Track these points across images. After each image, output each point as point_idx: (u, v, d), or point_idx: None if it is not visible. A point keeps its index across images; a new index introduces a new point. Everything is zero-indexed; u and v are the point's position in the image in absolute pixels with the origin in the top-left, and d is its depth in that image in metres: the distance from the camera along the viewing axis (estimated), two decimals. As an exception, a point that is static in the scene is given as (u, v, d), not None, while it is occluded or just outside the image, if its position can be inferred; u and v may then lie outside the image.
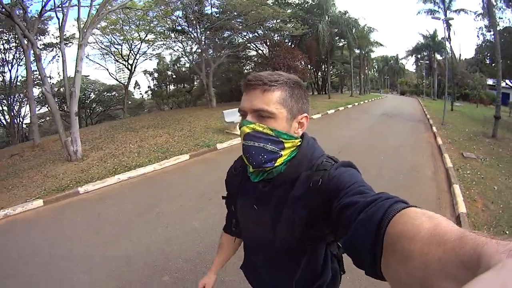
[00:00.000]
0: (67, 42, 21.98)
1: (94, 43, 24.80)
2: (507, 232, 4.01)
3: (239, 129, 0.93)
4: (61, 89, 25.83)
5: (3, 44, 20.67)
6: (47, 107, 27.28)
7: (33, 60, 12.68)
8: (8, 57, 21.34)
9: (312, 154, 0.96)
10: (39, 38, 21.00)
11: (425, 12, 27.64)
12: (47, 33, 22.01)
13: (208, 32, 19.70)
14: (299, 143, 0.96)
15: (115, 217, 5.06)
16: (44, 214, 5.68)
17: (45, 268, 3.70)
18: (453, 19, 20.83)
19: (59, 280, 3.46)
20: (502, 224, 4.21)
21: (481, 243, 0.32)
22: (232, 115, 10.93)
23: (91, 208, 5.65)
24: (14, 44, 20.82)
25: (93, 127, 17.48)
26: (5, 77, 22.14)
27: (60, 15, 10.48)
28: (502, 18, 18.90)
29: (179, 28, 20.95)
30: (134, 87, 34.70)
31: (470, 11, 24.14)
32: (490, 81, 31.41)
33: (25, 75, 21.47)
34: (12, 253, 4.18)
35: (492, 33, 17.31)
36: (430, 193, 5.30)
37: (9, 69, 21.76)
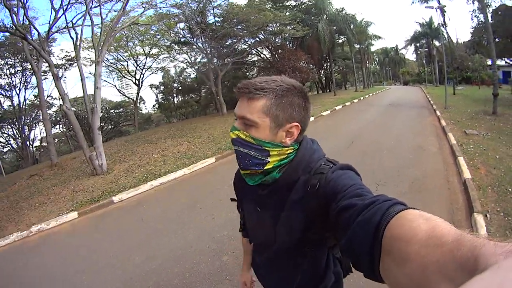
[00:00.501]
0: (72, 62, 22.76)
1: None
2: (510, 189, 4.55)
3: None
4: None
5: (8, 69, 21.38)
6: (61, 127, 28.23)
7: (44, 79, 14.71)
8: (14, 81, 22.16)
9: (310, 157, 0.96)
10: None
11: (418, 1, 28.08)
12: (52, 55, 22.44)
13: (212, 42, 20.23)
14: (292, 150, 0.95)
15: (161, 216, 5.53)
16: (80, 224, 6.09)
17: (102, 271, 4.01)
18: (445, 6, 21.14)
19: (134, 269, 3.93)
20: (504, 183, 4.76)
21: (479, 245, 0.33)
22: None
23: (130, 213, 6.07)
24: (19, 68, 21.76)
25: (109, 143, 18.17)
26: (13, 101, 22.91)
27: (73, 34, 11.07)
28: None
29: (183, 39, 21.62)
30: (139, 103, 35.54)
31: None
32: (490, 62, 31.73)
33: (30, 98, 23.32)
34: (53, 267, 4.42)
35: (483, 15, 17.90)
36: (438, 166, 5.96)
37: (16, 93, 22.55)
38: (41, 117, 24.03)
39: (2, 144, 25.24)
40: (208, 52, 20.69)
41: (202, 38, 20.24)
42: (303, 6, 27.08)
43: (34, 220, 6.53)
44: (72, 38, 11.25)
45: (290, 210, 0.93)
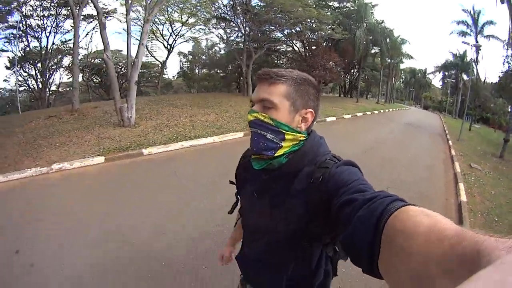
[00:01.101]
0: (108, 15, 22.76)
1: (136, 19, 25.09)
2: (496, 218, 5.37)
3: (247, 115, 0.99)
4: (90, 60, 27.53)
5: (42, 10, 21.42)
6: (83, 76, 27.86)
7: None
8: (45, 24, 22.19)
9: (317, 150, 0.98)
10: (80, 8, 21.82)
11: (457, 33, 28.49)
12: (88, 5, 22.90)
13: (252, 24, 20.71)
14: (303, 138, 0.98)
15: (193, 176, 5.89)
16: (106, 169, 6.39)
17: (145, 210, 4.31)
18: (481, 46, 21.66)
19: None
20: (493, 214, 5.56)
21: (480, 240, 0.32)
22: None
23: (160, 167, 6.43)
24: (52, 12, 21.82)
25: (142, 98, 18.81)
26: (41, 43, 22.90)
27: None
28: None
29: (223, 15, 22.04)
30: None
31: (500, 39, 24.70)
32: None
33: (57, 43, 23.53)
34: (74, 206, 4.50)
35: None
36: (441, 185, 6.85)
37: (46, 35, 22.61)
38: (62, 63, 25.40)
39: (20, 83, 24.69)
40: (247, 32, 21.16)
41: (243, 18, 20.68)
42: (345, 9, 27.38)
43: (54, 158, 6.72)
44: None
45: (291, 199, 0.94)
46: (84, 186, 5.49)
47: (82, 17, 21.56)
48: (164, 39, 28.17)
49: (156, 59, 30.86)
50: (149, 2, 10.76)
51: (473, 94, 29.15)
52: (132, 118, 9.78)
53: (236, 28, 22.91)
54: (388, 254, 0.48)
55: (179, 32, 27.56)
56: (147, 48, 30.07)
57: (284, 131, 0.93)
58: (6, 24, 20.80)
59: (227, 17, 22.04)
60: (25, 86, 25.22)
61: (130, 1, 11.39)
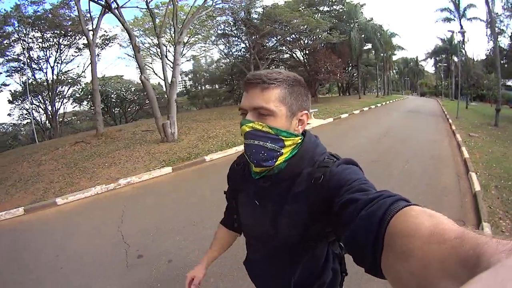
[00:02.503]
0: (109, 42, 24.79)
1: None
2: (494, 165, 7.14)
3: (240, 127, 0.94)
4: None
5: (42, 42, 21.90)
6: (86, 104, 28.50)
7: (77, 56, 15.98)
8: (48, 55, 22.63)
9: (314, 151, 0.97)
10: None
11: (442, 20, 30.29)
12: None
13: (255, 36, 22.57)
14: (300, 141, 0.97)
15: None
16: (180, 176, 7.15)
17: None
18: (465, 31, 23.55)
19: None
20: (491, 162, 7.30)
21: (481, 243, 0.33)
22: None
23: (226, 167, 8.46)
24: (51, 43, 22.33)
25: (151, 119, 20.38)
26: (47, 73, 23.33)
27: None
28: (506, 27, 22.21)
29: (223, 32, 23.96)
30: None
31: (482, 19, 26.50)
32: (509, 82, 34.00)
33: (56, 73, 23.44)
34: (166, 211, 5.16)
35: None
36: (448, 150, 8.74)
37: (51, 66, 23.15)
38: (64, 93, 25.67)
39: (24, 116, 25.05)
40: (252, 45, 22.98)
41: (247, 33, 22.56)
42: (334, 13, 29.04)
43: (114, 175, 7.47)
44: (153, 16, 13.26)
45: (293, 203, 0.93)
46: (169, 188, 6.43)
47: (82, 45, 23.44)
48: (168, 60, 29.21)
49: (163, 80, 31.69)
50: (178, 26, 12.06)
51: (465, 74, 30.99)
52: (175, 133, 10.59)
53: (237, 42, 24.89)
54: (391, 255, 0.48)
55: (182, 52, 28.49)
56: (153, 70, 32.08)
57: (283, 138, 0.91)
58: (7, 58, 21.33)
59: (229, 32, 23.85)
60: (29, 118, 24.82)
61: (160, 26, 12.86)
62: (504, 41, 25.62)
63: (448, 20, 29.89)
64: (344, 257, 1.12)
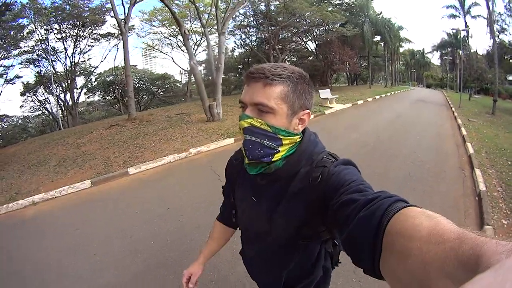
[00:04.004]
0: (129, 32, 23.67)
1: (156, 33, 28.04)
2: (486, 140, 9.11)
3: (239, 121, 0.92)
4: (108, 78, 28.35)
5: (60, 32, 22.17)
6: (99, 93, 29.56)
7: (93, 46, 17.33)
8: (65, 46, 23.10)
9: (312, 150, 0.97)
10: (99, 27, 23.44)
11: (447, 16, 31.80)
12: (104, 23, 23.97)
13: (273, 28, 24.05)
14: (299, 139, 0.96)
15: None
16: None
17: None
18: (469, 28, 25.24)
19: None
20: (484, 138, 9.27)
21: (480, 243, 0.33)
22: (325, 94, 16.20)
23: None
24: (68, 34, 22.67)
25: (181, 104, 22.26)
26: (66, 63, 23.90)
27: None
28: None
29: (244, 23, 25.29)
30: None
31: (484, 17, 27.66)
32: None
33: (73, 62, 24.06)
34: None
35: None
36: (449, 131, 10.66)
37: (68, 56, 23.66)
38: (76, 84, 26.13)
39: (36, 107, 25.49)
40: (272, 36, 24.51)
41: (267, 25, 23.98)
42: (345, 5, 30.24)
43: (180, 147, 8.27)
44: (197, 9, 14.28)
45: (289, 201, 0.93)
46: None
47: (98, 35, 24.02)
48: (182, 50, 30.77)
49: (182, 68, 34.23)
50: (222, 17, 12.81)
51: (469, 68, 32.64)
52: (220, 113, 11.64)
53: (255, 33, 26.17)
54: (389, 256, 0.48)
55: (199, 41, 30.07)
56: (173, 59, 33.27)
57: (282, 137, 0.90)
58: (21, 50, 21.31)
59: (248, 23, 25.20)
60: (41, 110, 25.65)
61: (207, 18, 14.12)
62: (505, 38, 27.54)
63: (453, 16, 31.26)
64: (339, 253, 1.16)
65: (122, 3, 14.22)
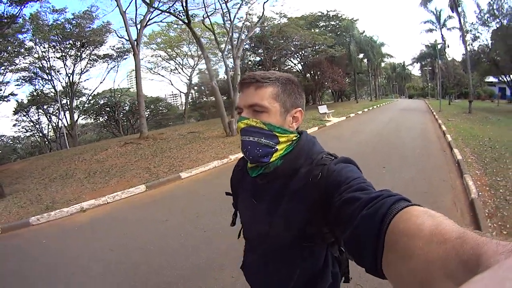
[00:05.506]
0: (123, 55, 25.55)
1: (153, 56, 29.18)
2: (462, 131, 11.10)
3: (237, 124, 0.97)
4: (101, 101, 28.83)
5: (58, 51, 22.25)
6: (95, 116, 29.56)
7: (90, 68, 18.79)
8: (65, 65, 23.11)
9: (310, 149, 0.98)
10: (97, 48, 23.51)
11: (425, 31, 34.25)
12: (103, 44, 24.43)
13: (268, 51, 26.21)
14: (296, 138, 0.99)
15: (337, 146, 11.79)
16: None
17: None
18: (446, 40, 28.07)
19: None
20: (462, 133, 11.12)
21: (481, 243, 0.33)
22: (323, 109, 18.19)
23: None
24: (66, 53, 22.61)
25: (193, 123, 23.48)
26: (64, 82, 23.87)
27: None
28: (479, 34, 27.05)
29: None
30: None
31: (459, 29, 30.42)
32: (491, 79, 37.85)
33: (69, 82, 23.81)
34: None
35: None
36: (432, 130, 12.80)
37: (68, 74, 23.58)
38: (69, 105, 25.30)
39: (26, 128, 25.36)
40: (267, 58, 26.79)
41: (262, 48, 26.14)
42: (330, 26, 32.36)
43: (216, 155, 9.16)
44: (216, 39, 15.33)
45: (289, 201, 0.93)
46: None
47: (95, 57, 24.28)
48: (185, 73, 32.95)
49: (180, 91, 35.74)
50: (236, 43, 14.39)
51: (448, 75, 35.25)
52: None
53: (251, 55, 27.89)
54: (391, 255, 0.49)
55: (195, 65, 32.08)
56: (171, 82, 35.78)
57: (278, 134, 0.93)
58: (17, 67, 21.09)
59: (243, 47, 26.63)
60: (33, 130, 24.96)
61: (226, 42, 15.08)
62: (475, 45, 30.30)
63: (430, 30, 33.46)
64: (348, 260, 1.10)
65: (135, 24, 14.72)
